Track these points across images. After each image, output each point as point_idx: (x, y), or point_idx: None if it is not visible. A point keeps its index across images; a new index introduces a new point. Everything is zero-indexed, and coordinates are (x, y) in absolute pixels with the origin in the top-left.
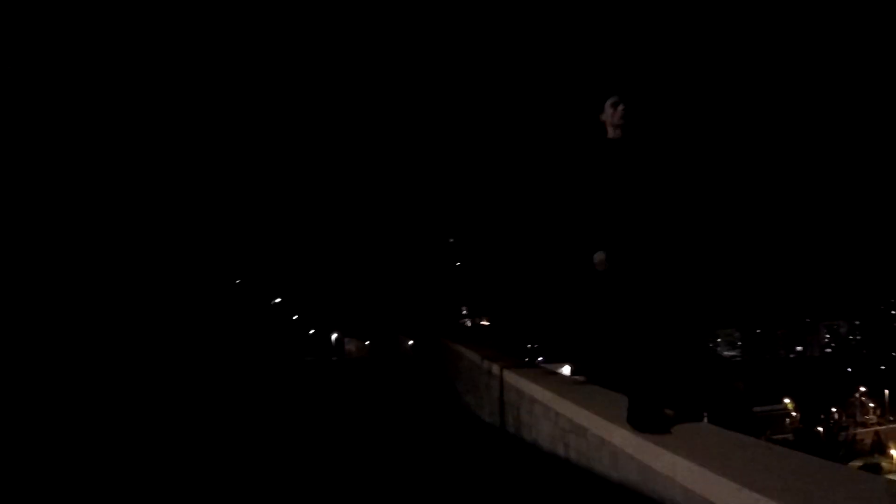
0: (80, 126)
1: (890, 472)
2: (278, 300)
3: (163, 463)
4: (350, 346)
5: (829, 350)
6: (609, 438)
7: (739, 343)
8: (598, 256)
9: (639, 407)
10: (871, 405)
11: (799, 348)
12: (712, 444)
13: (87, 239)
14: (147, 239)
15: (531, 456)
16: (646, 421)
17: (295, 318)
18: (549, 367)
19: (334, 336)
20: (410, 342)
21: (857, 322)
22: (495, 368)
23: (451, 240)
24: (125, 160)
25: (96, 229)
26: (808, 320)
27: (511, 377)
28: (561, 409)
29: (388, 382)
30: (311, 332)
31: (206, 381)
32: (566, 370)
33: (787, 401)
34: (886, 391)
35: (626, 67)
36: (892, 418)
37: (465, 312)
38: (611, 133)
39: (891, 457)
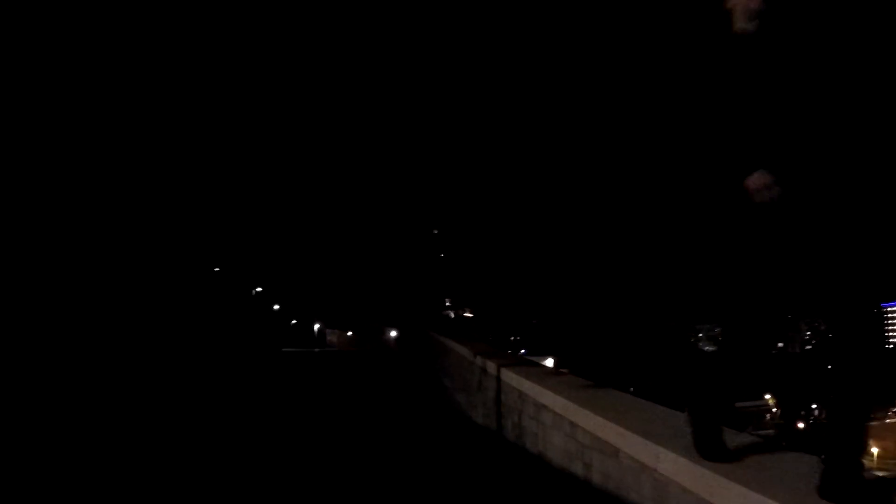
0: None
1: (870, 468)
2: (259, 289)
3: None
4: (332, 337)
5: (809, 347)
6: (652, 464)
7: (720, 339)
8: (761, 178)
9: (708, 425)
10: None
11: (780, 344)
12: (806, 479)
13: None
14: (111, 220)
15: (537, 471)
16: (715, 445)
17: (276, 307)
18: (533, 359)
19: (317, 326)
20: (394, 333)
21: None
22: (490, 366)
23: (435, 230)
24: (88, 142)
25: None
26: (788, 317)
27: (510, 377)
28: (580, 421)
29: (372, 377)
30: (294, 322)
31: (174, 374)
32: (549, 363)
33: (767, 396)
34: None
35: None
36: (871, 416)
37: (448, 304)
38: (741, 23)
39: (871, 454)
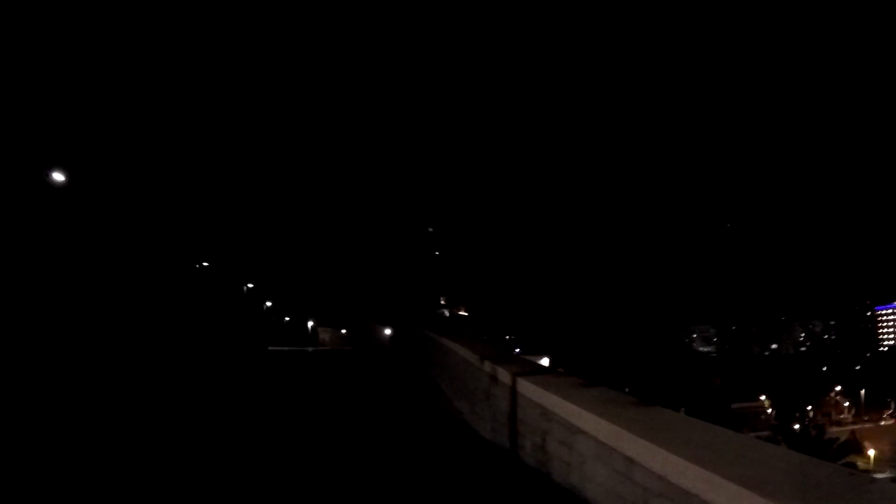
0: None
1: (866, 471)
2: (250, 286)
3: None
4: (324, 335)
5: (803, 349)
6: None
7: (714, 339)
8: None
9: None
10: (846, 404)
11: (774, 346)
12: None
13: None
14: (90, 212)
15: None
16: None
17: (268, 304)
18: (528, 358)
19: (311, 324)
20: (388, 332)
21: (832, 322)
22: (503, 374)
23: (430, 229)
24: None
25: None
26: (783, 318)
27: (530, 389)
28: (640, 457)
29: (363, 381)
30: (287, 319)
31: (147, 373)
32: (545, 362)
33: (762, 398)
34: (862, 391)
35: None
36: (866, 418)
37: (443, 302)
38: None
39: (868, 457)
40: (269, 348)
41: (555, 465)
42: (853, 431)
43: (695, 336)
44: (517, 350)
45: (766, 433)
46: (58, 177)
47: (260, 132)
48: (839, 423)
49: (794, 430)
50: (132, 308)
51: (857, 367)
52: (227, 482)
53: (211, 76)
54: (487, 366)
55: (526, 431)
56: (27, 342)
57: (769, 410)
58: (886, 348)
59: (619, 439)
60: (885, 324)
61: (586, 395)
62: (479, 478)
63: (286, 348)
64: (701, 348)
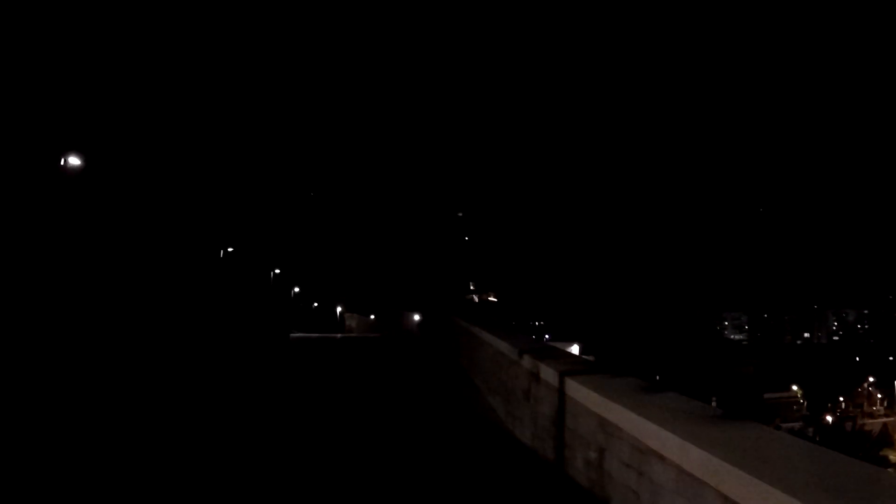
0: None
1: None
2: (277, 271)
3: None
4: (351, 322)
5: (836, 338)
6: None
7: (746, 327)
8: None
9: None
10: (879, 396)
11: (806, 334)
12: None
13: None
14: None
15: None
16: None
17: (296, 290)
18: (557, 345)
19: (339, 310)
20: (417, 318)
21: (866, 311)
22: (547, 372)
23: (460, 214)
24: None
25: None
26: (815, 307)
27: (584, 395)
28: (747, 501)
29: (391, 371)
30: (315, 305)
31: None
32: (575, 349)
33: (795, 388)
34: None
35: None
36: None
37: (472, 288)
38: None
39: None
40: (295, 335)
41: (616, 490)
42: (885, 424)
43: (726, 323)
44: (547, 336)
45: (797, 424)
46: (75, 161)
47: (291, 118)
48: (871, 415)
49: (827, 421)
50: (153, 296)
51: (891, 358)
52: (229, 482)
53: (242, 60)
54: (527, 361)
55: (576, 443)
56: (54, 326)
57: (802, 401)
58: None
59: (715, 472)
60: None
61: (657, 406)
62: (519, 492)
63: (314, 335)
64: (732, 336)
